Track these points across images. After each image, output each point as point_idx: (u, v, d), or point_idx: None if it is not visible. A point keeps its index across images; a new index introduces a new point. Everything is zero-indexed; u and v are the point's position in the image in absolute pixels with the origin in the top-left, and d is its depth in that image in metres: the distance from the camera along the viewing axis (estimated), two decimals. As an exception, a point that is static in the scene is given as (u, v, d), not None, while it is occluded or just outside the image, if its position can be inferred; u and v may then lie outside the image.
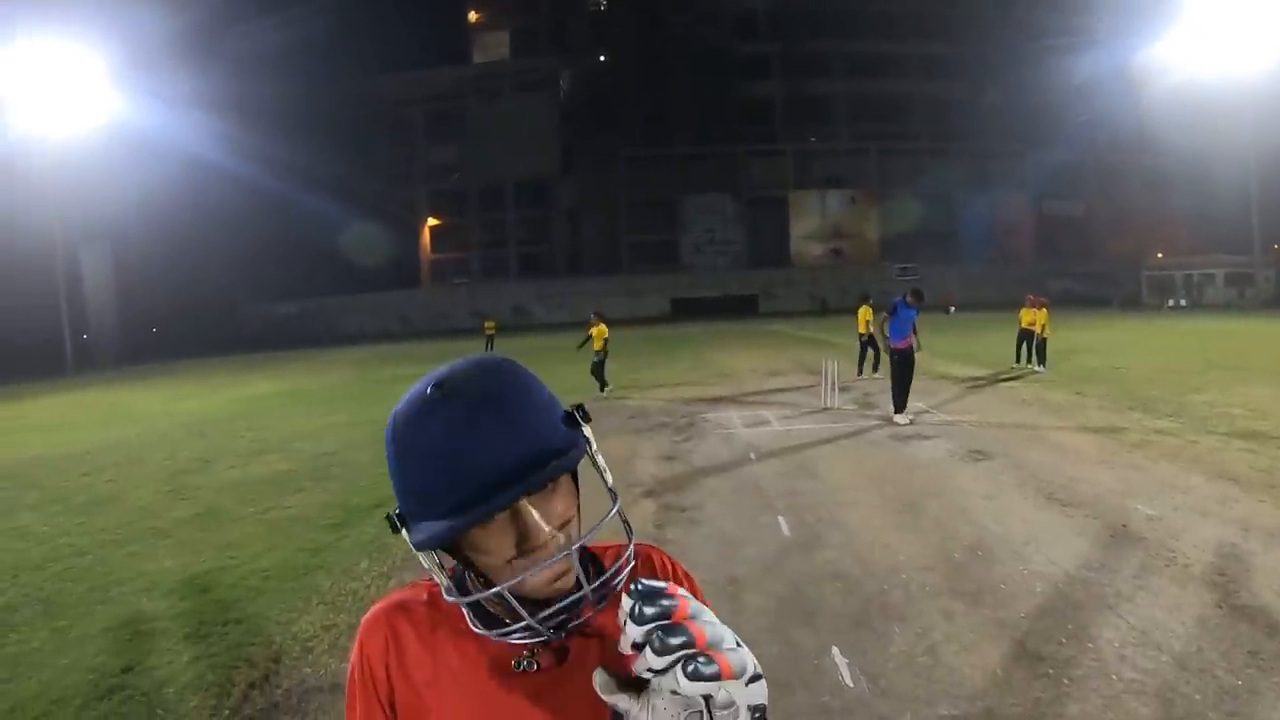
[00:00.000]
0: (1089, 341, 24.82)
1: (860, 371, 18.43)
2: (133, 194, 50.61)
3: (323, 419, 15.09)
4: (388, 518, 1.04)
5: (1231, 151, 55.61)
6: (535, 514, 0.99)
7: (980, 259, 71.51)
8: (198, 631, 5.25)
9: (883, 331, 12.26)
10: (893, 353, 12.05)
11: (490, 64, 79.55)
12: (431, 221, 78.07)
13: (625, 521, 1.09)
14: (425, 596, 1.14)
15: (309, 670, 4.63)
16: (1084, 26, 65.35)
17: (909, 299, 12.02)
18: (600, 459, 1.07)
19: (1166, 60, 56.09)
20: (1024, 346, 18.57)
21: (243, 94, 57.74)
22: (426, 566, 1.02)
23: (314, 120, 64.00)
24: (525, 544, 0.99)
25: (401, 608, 1.14)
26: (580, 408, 1.09)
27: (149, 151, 50.56)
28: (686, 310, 68.28)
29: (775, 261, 74.82)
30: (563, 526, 1.03)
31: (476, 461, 0.96)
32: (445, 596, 1.02)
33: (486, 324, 37.44)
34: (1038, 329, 18.10)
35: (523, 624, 0.99)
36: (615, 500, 1.06)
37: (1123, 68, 62.27)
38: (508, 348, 36.12)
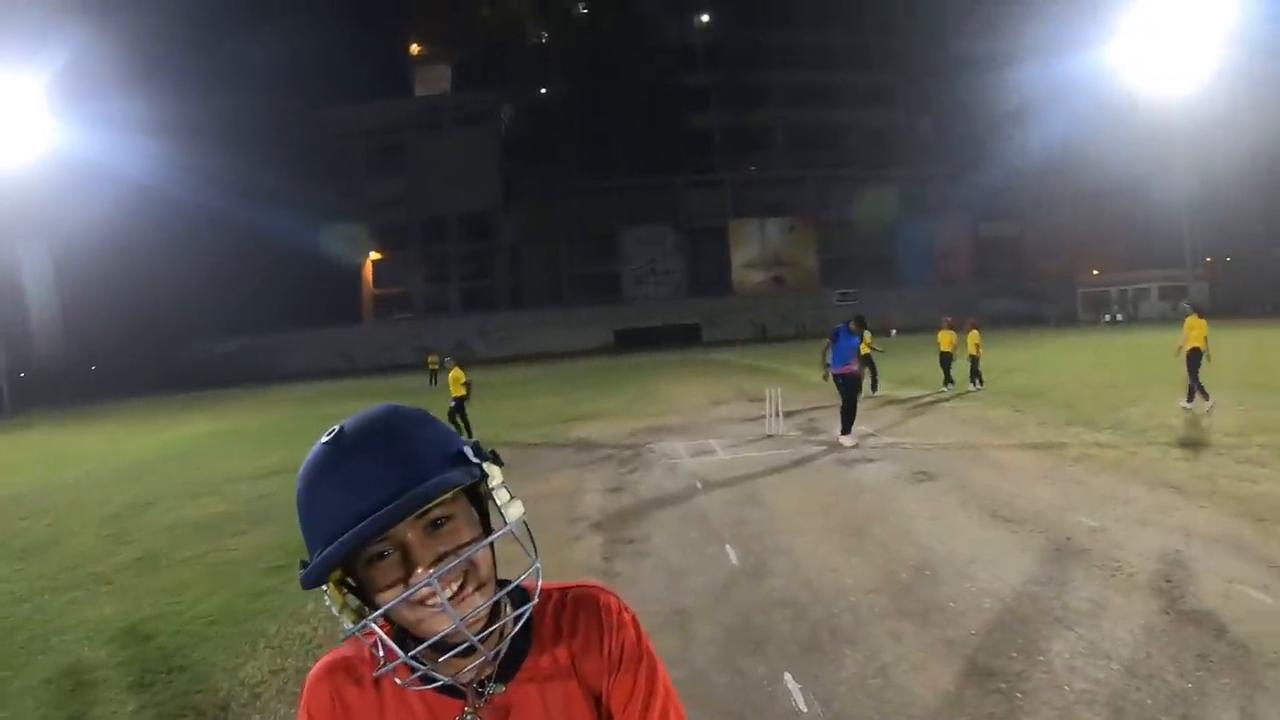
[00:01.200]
0: (1027, 359, 25.26)
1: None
2: (76, 227, 49.71)
3: (262, 459, 14.78)
4: (300, 564, 1.05)
5: (1162, 168, 57.23)
6: (417, 547, 1.02)
7: (919, 282, 72.65)
8: (142, 680, 5.06)
9: (824, 357, 12.23)
10: (836, 378, 12.08)
11: (431, 97, 79.51)
12: (374, 256, 77.33)
13: (534, 564, 1.11)
14: (368, 653, 1.11)
15: (258, 717, 4.50)
16: (1016, 53, 66.95)
17: (851, 327, 12.20)
18: (503, 492, 1.09)
19: (1097, 82, 57.67)
20: (949, 369, 18.80)
21: (185, 126, 56.71)
22: (327, 604, 1.05)
23: (257, 153, 63.00)
24: (407, 578, 1.02)
25: (344, 666, 1.14)
26: (476, 445, 1.10)
27: (92, 181, 49.64)
28: (629, 341, 68.28)
29: (716, 290, 75.48)
30: (438, 561, 1.03)
31: (348, 498, 1.00)
32: (343, 635, 1.06)
33: (429, 359, 37.23)
34: (970, 349, 18.34)
35: (397, 662, 1.01)
36: (495, 532, 1.10)
37: (1054, 91, 63.87)
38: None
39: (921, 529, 7.24)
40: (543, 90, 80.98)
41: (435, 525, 1.04)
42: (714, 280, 76.34)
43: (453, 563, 1.02)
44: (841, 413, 12.18)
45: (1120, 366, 21.93)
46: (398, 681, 1.04)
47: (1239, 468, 8.72)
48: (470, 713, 1.09)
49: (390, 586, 1.02)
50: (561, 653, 1.16)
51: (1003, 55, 69.04)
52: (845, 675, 4.36)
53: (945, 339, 18.96)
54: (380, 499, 0.99)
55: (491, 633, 1.06)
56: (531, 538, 1.10)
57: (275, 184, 63.54)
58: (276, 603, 6.42)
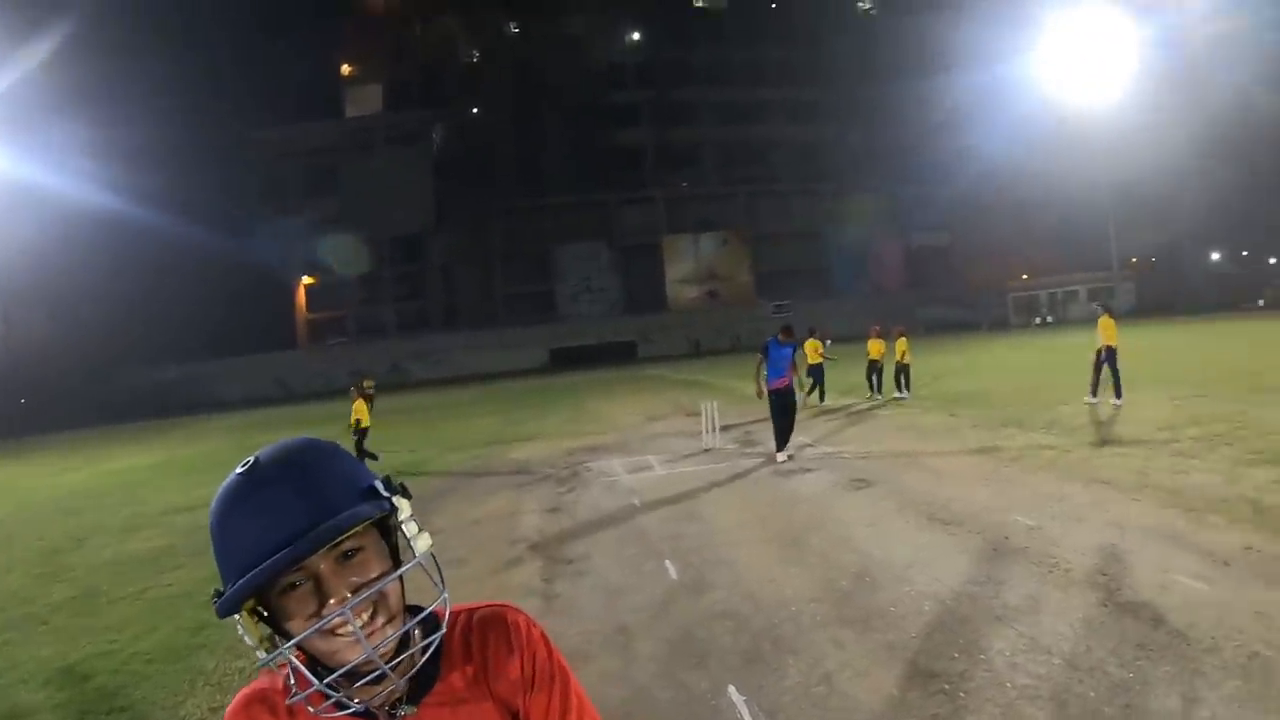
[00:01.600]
0: (961, 364, 25.62)
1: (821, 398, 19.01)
2: (6, 255, 48.40)
3: (198, 490, 14.37)
4: (212, 592, 1.08)
5: (1087, 175, 58.84)
6: (329, 579, 1.05)
7: (852, 293, 73.47)
8: (82, 722, 4.84)
9: (759, 375, 11.51)
10: (770, 393, 11.43)
11: (363, 118, 78.68)
12: (307, 280, 75.98)
13: (442, 595, 1.13)
14: (281, 683, 1.13)
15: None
16: (943, 65, 68.35)
17: (780, 338, 11.62)
18: (411, 525, 1.12)
19: (1023, 92, 59.13)
20: (874, 377, 18.99)
21: (118, 151, 55.41)
22: (240, 633, 1.07)
23: (189, 177, 61.74)
24: (320, 609, 1.04)
25: (260, 698, 1.15)
26: (386, 479, 1.14)
27: (22, 207, 48.51)
28: (565, 360, 68.06)
29: (651, 307, 75.69)
30: (356, 591, 1.05)
31: (263, 530, 1.02)
32: (259, 665, 1.07)
33: (365, 383, 36.64)
34: (898, 356, 18.53)
35: (311, 690, 1.04)
36: (405, 566, 1.11)
37: (982, 102, 65.26)
38: (387, 407, 35.40)
39: (860, 536, 7.24)
40: (475, 110, 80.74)
41: (347, 556, 1.07)
42: (649, 296, 76.56)
43: (365, 594, 1.04)
44: (777, 431, 11.67)
45: (1051, 368, 22.34)
46: (311, 709, 1.07)
47: (1170, 460, 8.89)
48: None
49: (303, 616, 1.04)
50: (471, 673, 1.18)
51: (930, 67, 70.46)
52: (789, 685, 4.30)
53: (874, 347, 19.14)
54: (294, 531, 1.01)
55: (402, 660, 1.10)
56: (439, 569, 1.12)
57: (208, 208, 62.44)
58: (215, 637, 6.20)
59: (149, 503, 13.81)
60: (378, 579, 1.07)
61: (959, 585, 5.58)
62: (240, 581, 1.01)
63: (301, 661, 1.08)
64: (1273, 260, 66.14)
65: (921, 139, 74.54)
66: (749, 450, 12.97)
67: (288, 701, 1.10)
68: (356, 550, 1.07)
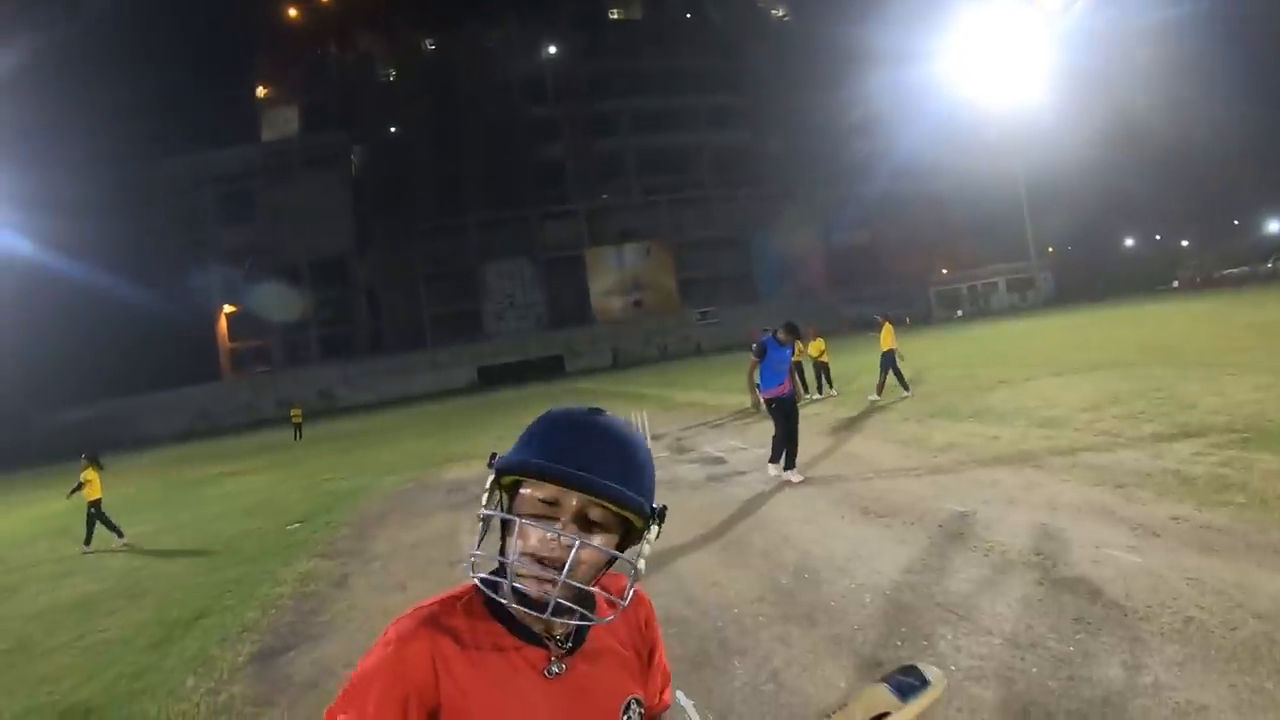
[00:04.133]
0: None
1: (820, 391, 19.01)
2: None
3: (127, 531, 13.91)
4: (492, 455, 1.28)
5: (1002, 169, 60.29)
6: (573, 505, 1.19)
7: (777, 295, 74.17)
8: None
9: (752, 380, 10.08)
10: (768, 403, 9.94)
11: (279, 141, 77.51)
12: (228, 309, 74.34)
13: (629, 587, 1.26)
14: (459, 609, 1.25)
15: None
16: (859, 67, 69.58)
17: (780, 336, 9.88)
18: (647, 548, 1.26)
19: (938, 91, 60.40)
20: (822, 376, 19.23)
21: (24, 187, 53.75)
22: (485, 487, 1.26)
23: (100, 207, 60.06)
24: (546, 514, 1.20)
25: (438, 621, 1.22)
26: (664, 508, 1.28)
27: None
28: (494, 377, 68.08)
29: (577, 320, 75.88)
30: (578, 531, 1.19)
31: (589, 447, 1.21)
32: (480, 512, 1.24)
33: (293, 412, 36.18)
34: (816, 355, 18.79)
35: (505, 584, 1.18)
36: (621, 556, 1.26)
37: (897, 102, 66.54)
38: (316, 434, 34.84)
39: (798, 534, 7.24)
40: (393, 129, 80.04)
41: (593, 523, 1.20)
42: (574, 310, 76.68)
43: (578, 540, 1.17)
44: (775, 442, 10.00)
45: (977, 357, 22.79)
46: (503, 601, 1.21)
47: (1095, 440, 9.08)
48: (556, 660, 1.24)
49: (530, 517, 1.20)
50: (620, 628, 1.38)
51: (846, 71, 71.68)
52: (737, 686, 4.27)
53: (814, 347, 19.29)
54: (599, 468, 1.18)
55: (567, 615, 1.21)
56: (636, 579, 1.26)
57: (120, 245, 60.82)
58: (156, 681, 5.94)
59: (78, 548, 13.34)
60: (601, 538, 1.21)
61: (898, 575, 5.61)
62: (532, 460, 1.20)
63: (490, 573, 1.23)
64: (1185, 243, 68.42)
65: (839, 141, 75.89)
66: (681, 457, 12.94)
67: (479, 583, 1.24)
68: (600, 525, 1.20)
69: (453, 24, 79.22)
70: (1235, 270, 51.20)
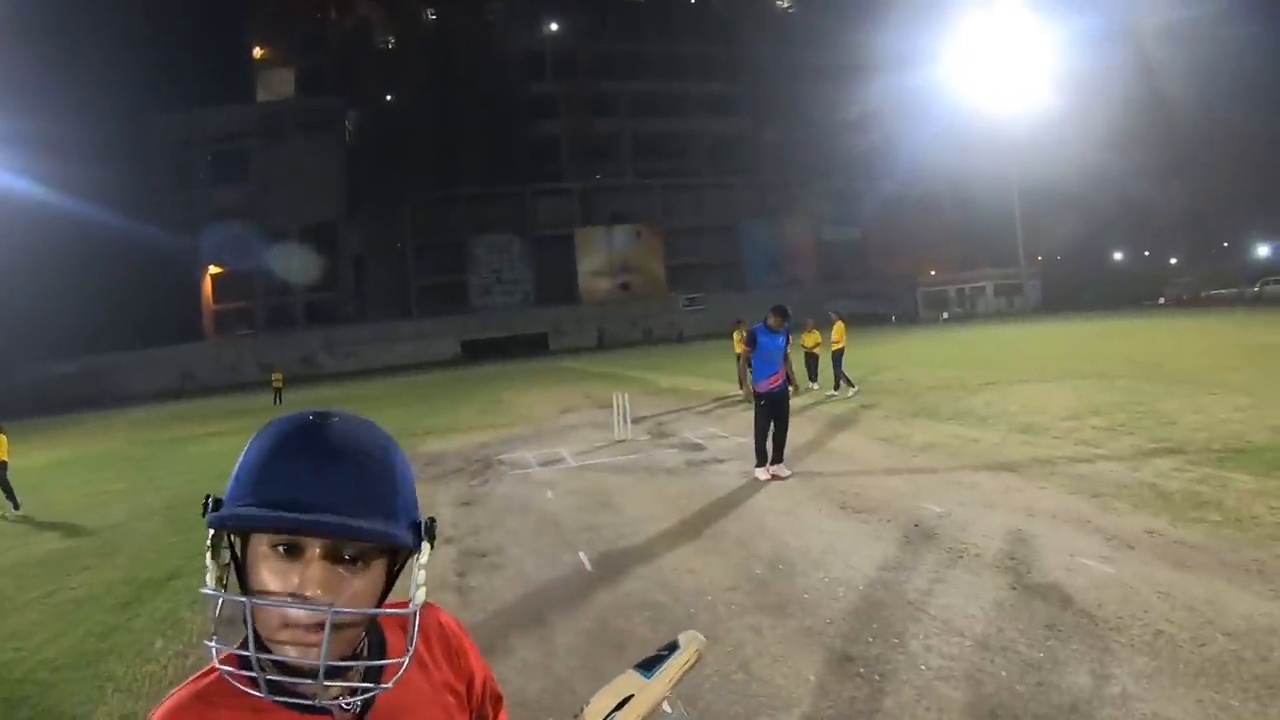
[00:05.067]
0: (870, 356, 26.00)
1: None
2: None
3: (104, 488, 13.84)
4: (207, 497, 1.01)
5: (995, 174, 60.50)
6: (319, 567, 0.96)
7: (764, 285, 74.12)
8: (-10, 734, 4.59)
9: (745, 370, 9.38)
10: (758, 397, 9.19)
11: (274, 103, 76.57)
12: (214, 269, 73.57)
13: (414, 622, 1.03)
14: (219, 684, 1.01)
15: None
16: (859, 64, 69.48)
17: (770, 321, 9.16)
18: (421, 574, 1.05)
19: (935, 93, 60.47)
20: (820, 367, 19.16)
21: (13, 133, 52.94)
22: (207, 545, 0.99)
23: (91, 160, 58.97)
24: (286, 585, 0.96)
25: (202, 698, 1.01)
26: (431, 521, 1.08)
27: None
28: (477, 352, 67.61)
29: (564, 299, 75.37)
30: (330, 590, 0.96)
31: (317, 475, 0.97)
32: (203, 590, 0.97)
33: (274, 376, 36.01)
34: (806, 346, 18.73)
35: (252, 677, 0.94)
36: (413, 609, 1.02)
37: (895, 101, 66.53)
38: (296, 400, 34.71)
39: (774, 525, 7.27)
40: (389, 97, 79.42)
41: (350, 560, 0.99)
42: (561, 288, 76.24)
43: (349, 611, 0.96)
44: (758, 442, 9.36)
45: (961, 360, 22.86)
46: (249, 691, 0.96)
47: (1075, 449, 9.13)
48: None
49: (269, 576, 0.96)
50: (429, 664, 1.18)
51: (846, 66, 71.61)
52: (708, 673, 4.27)
53: (809, 338, 19.21)
54: (335, 502, 0.95)
55: (342, 670, 1.00)
56: (415, 629, 1.03)
57: (111, 193, 59.81)
58: (125, 641, 5.92)
59: (53, 502, 13.24)
60: (361, 597, 1.00)
61: (872, 571, 5.64)
62: (244, 511, 0.94)
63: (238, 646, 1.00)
64: (1173, 260, 68.78)
65: (836, 136, 75.89)
66: (661, 441, 12.94)
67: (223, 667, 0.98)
68: (360, 560, 0.99)
69: (455, -6, 78.78)
70: (1222, 291, 51.45)
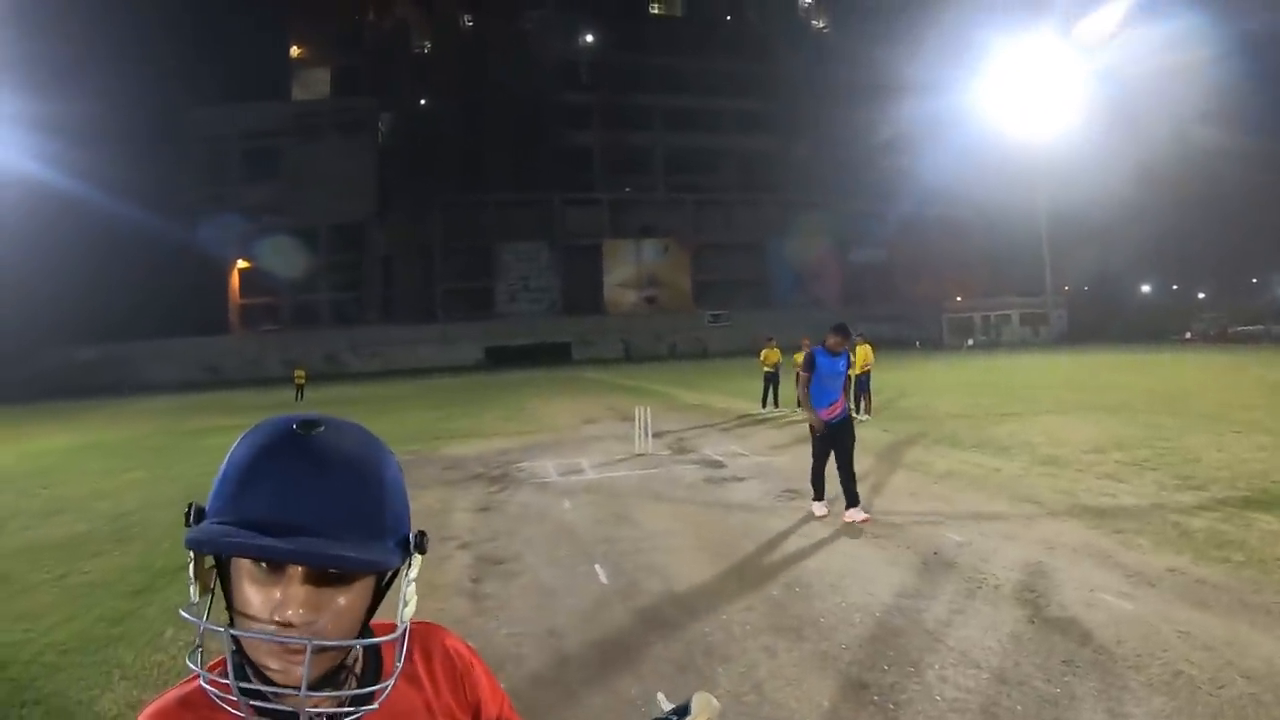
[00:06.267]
0: (894, 381, 25.89)
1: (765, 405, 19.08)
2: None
3: (122, 475, 13.95)
4: (189, 505, 0.98)
5: (1024, 202, 60.28)
6: (301, 587, 0.92)
7: (790, 305, 74.05)
8: (-6, 715, 4.62)
9: (805, 397, 8.23)
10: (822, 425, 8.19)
11: (310, 102, 77.53)
12: (242, 264, 74.35)
13: (402, 643, 1.02)
14: (194, 695, 1.00)
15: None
16: (892, 87, 69.38)
17: (829, 343, 8.19)
18: (411, 589, 1.02)
19: (967, 119, 60.33)
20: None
21: (52, 119, 53.49)
22: (188, 569, 0.96)
23: (126, 150, 59.60)
24: (267, 605, 0.93)
25: (186, 705, 1.00)
26: (421, 535, 1.04)
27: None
28: (500, 358, 67.94)
29: (589, 309, 75.71)
30: (314, 609, 0.93)
31: (302, 493, 0.92)
32: (182, 611, 0.96)
33: (297, 373, 36.23)
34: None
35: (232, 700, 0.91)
36: (401, 629, 1.01)
37: (927, 125, 66.40)
38: (318, 397, 34.90)
39: (792, 546, 7.24)
40: (423, 101, 79.92)
41: (338, 576, 0.95)
42: (587, 299, 76.54)
43: (329, 644, 0.93)
44: (815, 475, 8.45)
45: (985, 388, 22.77)
46: (232, 711, 0.92)
47: (1098, 483, 9.06)
48: None
49: (253, 593, 0.93)
50: (410, 689, 1.11)
51: (878, 88, 71.52)
52: (720, 693, 4.22)
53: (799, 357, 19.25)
54: (321, 522, 0.91)
55: (327, 690, 0.98)
56: (405, 642, 1.02)
57: (143, 184, 60.43)
58: (135, 629, 5.94)
59: (70, 486, 13.34)
60: (342, 613, 0.96)
61: (890, 598, 5.60)
62: (226, 533, 0.89)
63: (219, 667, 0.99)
64: (1201, 295, 68.21)
65: (867, 157, 75.80)
66: (681, 457, 12.93)
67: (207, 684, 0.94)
68: (345, 575, 0.95)
69: (492, 1, 79.11)
70: (1249, 328, 51.05)
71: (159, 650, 5.46)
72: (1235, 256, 64.84)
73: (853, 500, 8.04)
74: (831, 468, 8.18)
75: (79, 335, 61.96)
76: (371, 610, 1.03)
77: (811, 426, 8.34)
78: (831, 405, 8.20)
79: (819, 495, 8.37)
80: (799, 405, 8.68)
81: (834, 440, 8.15)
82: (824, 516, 8.16)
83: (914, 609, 5.35)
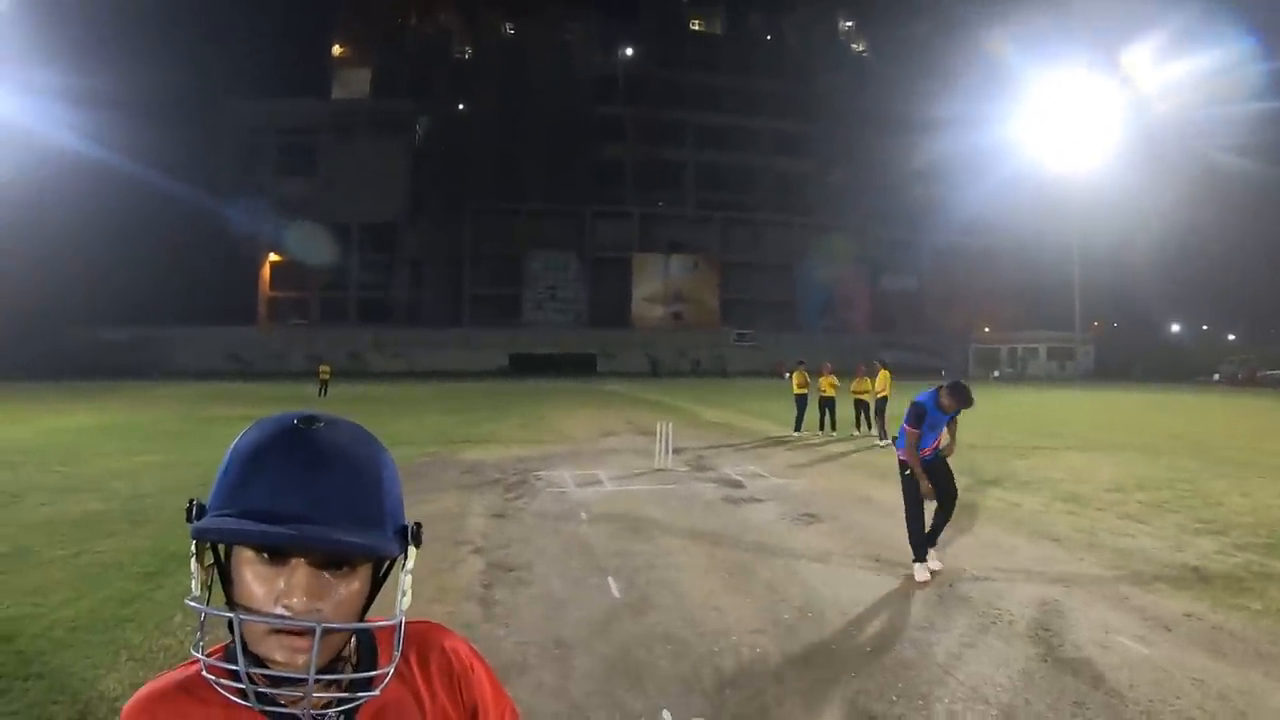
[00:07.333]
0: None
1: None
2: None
3: (141, 458, 14.06)
4: (190, 502, 1.00)
5: (1056, 236, 59.96)
6: (304, 574, 0.95)
7: (817, 329, 73.89)
8: (-2, 684, 4.65)
9: (914, 457, 7.20)
10: (904, 465, 7.40)
11: (349, 100, 78.17)
12: (273, 258, 75.13)
13: (399, 636, 1.03)
14: (193, 679, 1.02)
15: (115, 734, 4.09)
16: (930, 117, 69.29)
17: (944, 402, 7.35)
18: (407, 579, 1.04)
19: (1003, 152, 60.17)
20: (862, 414, 19.05)
21: (95, 98, 53.82)
22: (191, 552, 0.98)
23: (165, 136, 60.15)
24: (271, 594, 0.95)
25: (183, 688, 1.02)
26: (418, 526, 1.07)
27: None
28: (524, 366, 68.15)
29: (615, 322, 75.82)
30: (315, 597, 0.96)
31: (304, 483, 0.96)
32: (187, 600, 0.97)
33: (321, 368, 36.43)
34: (880, 392, 18.50)
35: (239, 687, 0.94)
36: (398, 619, 1.02)
37: (962, 156, 66.23)
38: (341, 394, 35.06)
39: (806, 571, 7.20)
40: (460, 106, 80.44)
41: (336, 565, 0.98)
42: (614, 311, 76.71)
43: (338, 626, 0.96)
44: (912, 522, 7.26)
45: (1009, 421, 22.58)
46: (232, 697, 0.96)
47: (1118, 523, 8.99)
48: None
49: (254, 585, 0.96)
50: (405, 689, 1.12)
51: (916, 116, 71.38)
52: (725, 716, 4.24)
53: (825, 383, 19.16)
54: (322, 514, 0.95)
55: (326, 678, 1.00)
56: (401, 634, 1.03)
57: (178, 169, 60.86)
58: (145, 610, 5.97)
59: (89, 465, 13.45)
60: (343, 601, 0.98)
61: (902, 628, 5.57)
62: (229, 523, 0.93)
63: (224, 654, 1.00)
64: (1231, 336, 67.54)
65: (900, 184, 75.72)
66: (700, 474, 12.90)
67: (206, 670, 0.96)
68: (346, 565, 0.99)
69: (534, 10, 79.64)
70: (1278, 372, 50.50)
71: (167, 634, 5.48)
72: (1268, 299, 64.25)
73: (932, 540, 7.33)
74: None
75: (107, 316, 62.60)
76: (369, 602, 1.05)
77: (902, 465, 7.39)
78: (929, 446, 7.43)
79: (920, 556, 7.11)
80: (904, 461, 7.34)
81: (931, 476, 7.18)
82: (927, 583, 6.81)
83: (926, 641, 5.31)
